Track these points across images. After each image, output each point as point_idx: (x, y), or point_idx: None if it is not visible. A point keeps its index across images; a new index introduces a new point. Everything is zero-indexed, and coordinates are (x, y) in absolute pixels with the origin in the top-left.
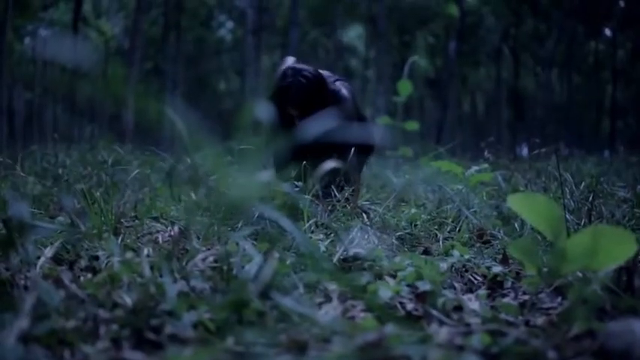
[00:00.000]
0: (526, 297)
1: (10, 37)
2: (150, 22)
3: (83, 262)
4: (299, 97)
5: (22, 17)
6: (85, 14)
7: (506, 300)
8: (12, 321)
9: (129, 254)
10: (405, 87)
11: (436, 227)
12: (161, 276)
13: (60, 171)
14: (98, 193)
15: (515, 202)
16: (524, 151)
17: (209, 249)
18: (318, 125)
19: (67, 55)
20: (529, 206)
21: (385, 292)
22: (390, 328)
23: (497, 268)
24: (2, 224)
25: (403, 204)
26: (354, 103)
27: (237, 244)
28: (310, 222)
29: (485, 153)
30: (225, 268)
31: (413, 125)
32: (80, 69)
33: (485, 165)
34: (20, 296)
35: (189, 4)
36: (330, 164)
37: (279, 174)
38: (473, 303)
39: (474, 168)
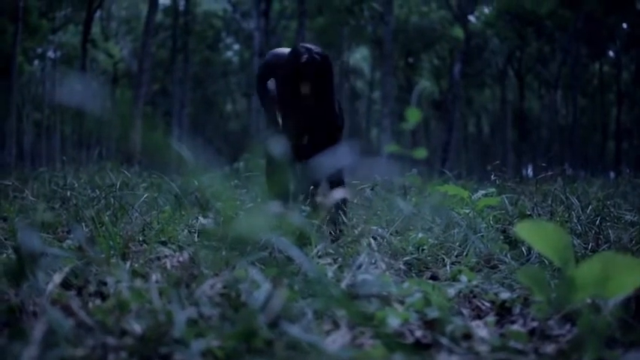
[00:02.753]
0: (535, 324)
1: (19, 59)
2: (158, 44)
3: (92, 288)
4: (316, 72)
5: (32, 40)
6: (93, 37)
7: (515, 327)
8: (22, 349)
9: (138, 281)
10: (414, 114)
11: (443, 252)
12: (170, 302)
13: (68, 193)
14: (107, 217)
15: (523, 230)
16: (530, 172)
17: (217, 275)
18: (334, 159)
19: (77, 97)
20: (537, 234)
21: (394, 319)
22: (398, 357)
23: (505, 295)
24: (13, 253)
25: (410, 227)
26: None
27: (245, 270)
28: (318, 247)
29: (492, 176)
30: (233, 295)
31: (421, 153)
32: (90, 110)
33: (492, 189)
34: (30, 323)
35: (196, 26)
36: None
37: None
38: (481, 330)
39: (481, 192)
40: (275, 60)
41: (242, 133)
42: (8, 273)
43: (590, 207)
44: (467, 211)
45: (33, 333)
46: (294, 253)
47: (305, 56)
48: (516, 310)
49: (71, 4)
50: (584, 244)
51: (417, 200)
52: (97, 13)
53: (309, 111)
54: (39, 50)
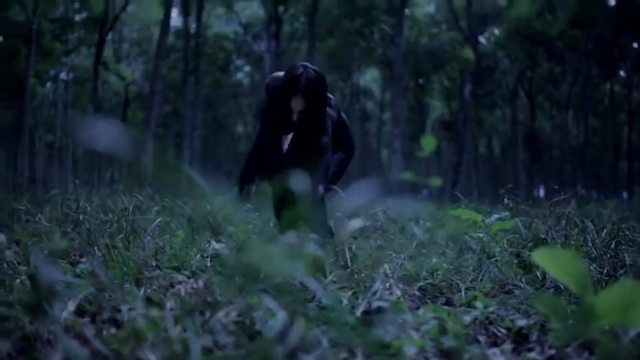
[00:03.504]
0: (552, 351)
1: (32, 81)
2: (169, 66)
3: (105, 314)
4: (308, 87)
5: (45, 62)
6: (105, 59)
7: (532, 355)
8: None
9: (152, 310)
10: (429, 142)
11: (457, 277)
12: (185, 331)
13: (81, 217)
14: (119, 242)
15: (540, 258)
16: (542, 192)
17: (231, 302)
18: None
19: (107, 143)
20: (554, 261)
21: (410, 347)
22: None
23: (522, 321)
24: (29, 281)
25: (424, 251)
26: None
27: (259, 297)
28: (332, 274)
29: (505, 199)
30: (247, 323)
31: (436, 181)
32: (121, 155)
33: (506, 212)
34: (44, 352)
35: (208, 49)
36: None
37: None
38: (498, 358)
39: (495, 216)
40: (274, 82)
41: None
42: (25, 304)
43: (604, 230)
44: (480, 235)
45: None
46: (310, 283)
47: (300, 70)
48: (533, 337)
49: (84, 26)
50: (600, 268)
51: (430, 225)
52: (109, 36)
53: (300, 127)
54: (51, 72)
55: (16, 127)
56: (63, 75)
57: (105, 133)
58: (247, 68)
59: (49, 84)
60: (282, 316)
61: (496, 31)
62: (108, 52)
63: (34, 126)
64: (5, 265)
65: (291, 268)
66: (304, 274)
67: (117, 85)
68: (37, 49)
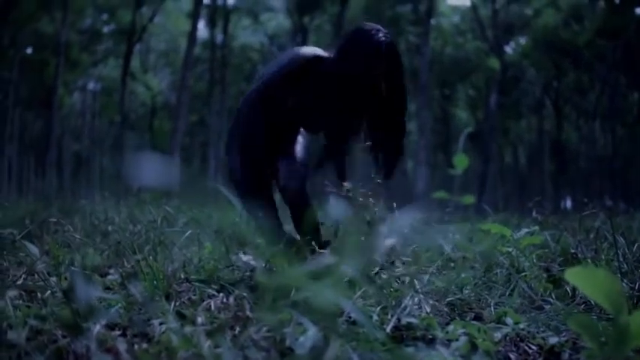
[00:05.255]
0: None
1: (60, 91)
2: (196, 77)
3: (136, 329)
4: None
5: (73, 73)
6: (133, 70)
7: None
8: None
9: (184, 325)
10: (462, 161)
11: (486, 292)
12: (216, 347)
13: (109, 228)
14: (148, 254)
15: (573, 277)
16: (568, 204)
17: (262, 318)
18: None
19: (152, 177)
20: (588, 281)
21: None
22: None
23: (553, 339)
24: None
25: (452, 265)
26: None
27: (289, 313)
28: (361, 291)
29: (534, 213)
30: (278, 339)
31: (469, 199)
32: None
33: (535, 227)
34: None
35: (234, 59)
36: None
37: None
38: None
39: (524, 230)
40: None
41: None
42: (59, 319)
43: (635, 244)
44: (509, 249)
45: None
46: (341, 301)
47: (381, 35)
48: (565, 355)
49: (111, 38)
50: (631, 283)
51: (459, 239)
52: (137, 47)
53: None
54: (79, 83)
55: (45, 137)
56: (91, 85)
57: (157, 170)
58: None
59: (76, 94)
60: (313, 332)
61: (522, 41)
62: (135, 63)
63: (62, 136)
64: (36, 276)
65: (322, 287)
66: (335, 292)
67: (144, 95)
68: (66, 60)
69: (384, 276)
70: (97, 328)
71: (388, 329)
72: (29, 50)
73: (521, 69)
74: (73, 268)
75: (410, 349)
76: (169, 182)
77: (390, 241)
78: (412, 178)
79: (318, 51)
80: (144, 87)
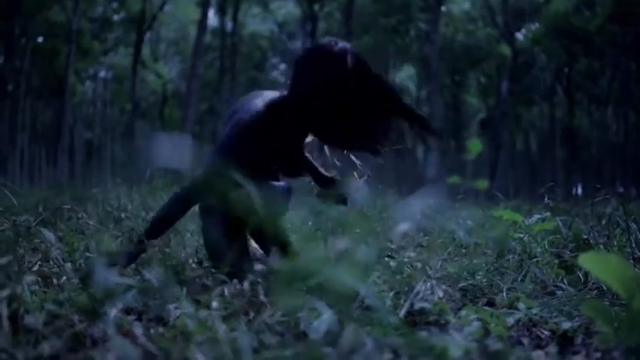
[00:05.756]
0: (598, 355)
1: (72, 80)
2: (206, 65)
3: (152, 313)
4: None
5: (84, 61)
6: (143, 58)
7: (577, 358)
8: None
9: (201, 312)
10: (475, 146)
11: (498, 278)
12: (231, 331)
13: (122, 215)
14: (160, 241)
15: (587, 262)
16: (580, 191)
17: (276, 303)
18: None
19: (168, 157)
20: (601, 266)
21: (455, 350)
22: None
23: (566, 324)
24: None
25: (463, 251)
26: None
27: (303, 298)
28: (375, 276)
29: (546, 199)
30: (292, 323)
31: (482, 184)
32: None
33: (547, 212)
34: (98, 351)
35: (243, 47)
36: None
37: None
38: None
39: (536, 216)
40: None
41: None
42: (76, 304)
43: None
44: (521, 235)
45: None
46: (357, 285)
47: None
48: (578, 340)
49: (122, 26)
50: None
51: (471, 225)
52: (147, 35)
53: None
54: (91, 71)
55: (56, 125)
56: (102, 74)
57: (174, 150)
58: (283, 66)
59: (88, 82)
60: (328, 316)
61: (533, 27)
62: (146, 51)
63: (74, 124)
64: (51, 262)
65: (338, 270)
66: (352, 276)
67: (154, 83)
68: (77, 49)
69: (396, 261)
70: (113, 312)
71: (401, 314)
72: (40, 39)
73: (532, 55)
74: (88, 254)
75: (423, 334)
76: (185, 162)
77: (403, 227)
78: (422, 165)
79: (270, 95)
80: (154, 75)
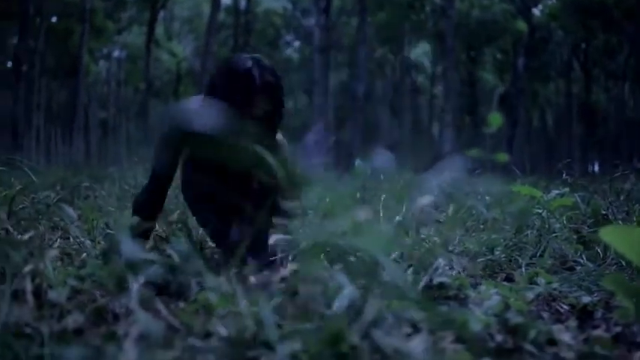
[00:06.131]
0: (618, 329)
1: (86, 59)
2: (220, 43)
3: (172, 287)
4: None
5: (98, 41)
6: (157, 37)
7: (597, 332)
8: (117, 353)
9: (224, 285)
10: (496, 119)
11: (517, 253)
12: (254, 306)
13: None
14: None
15: (608, 236)
16: (596, 167)
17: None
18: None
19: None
20: (623, 240)
21: (475, 323)
22: None
23: (586, 298)
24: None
25: (481, 227)
26: None
27: (325, 271)
28: (395, 252)
29: (564, 175)
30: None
31: (503, 157)
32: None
33: (566, 188)
34: (122, 325)
35: (257, 25)
36: None
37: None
38: (564, 335)
39: (554, 192)
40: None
41: (302, 130)
42: (109, 282)
43: None
44: (539, 210)
45: (128, 337)
46: (381, 258)
47: (250, 63)
48: (598, 314)
49: (135, 5)
50: None
51: (489, 201)
52: (161, 14)
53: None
54: (104, 50)
55: (71, 105)
56: (115, 53)
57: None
58: (297, 43)
59: (102, 62)
60: (349, 290)
61: (550, 2)
62: (159, 30)
63: (88, 104)
64: (71, 239)
65: (361, 241)
66: (375, 249)
67: (168, 62)
68: (91, 28)
69: (414, 236)
70: (135, 286)
71: (420, 288)
72: (54, 19)
73: (549, 31)
74: (107, 231)
75: (443, 308)
76: (219, 126)
77: (424, 200)
78: (438, 141)
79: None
80: (168, 54)
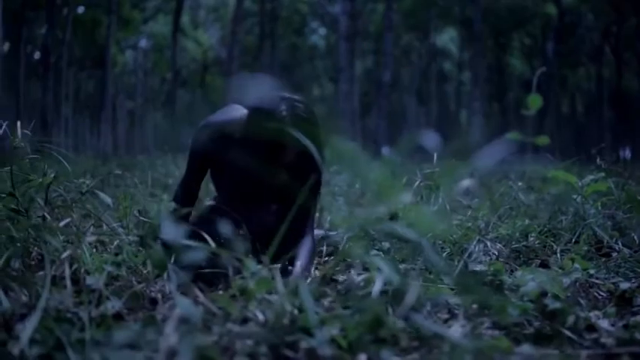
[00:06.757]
0: None
1: (113, 50)
2: (246, 31)
3: (210, 273)
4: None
5: (124, 31)
6: (183, 26)
7: (636, 318)
8: (155, 337)
9: (263, 271)
10: (536, 100)
11: (552, 239)
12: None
13: (170, 181)
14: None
15: None
16: (628, 154)
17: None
18: None
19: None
20: None
21: (513, 309)
22: (526, 349)
23: (625, 285)
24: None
25: (513, 213)
26: None
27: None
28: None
29: (598, 160)
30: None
31: (544, 140)
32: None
33: (602, 174)
34: (156, 309)
35: (283, 12)
36: None
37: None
38: (602, 321)
39: (589, 177)
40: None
41: (329, 117)
42: (148, 267)
43: None
44: (574, 196)
45: (168, 321)
46: (423, 242)
47: (280, 103)
48: (637, 300)
49: None
50: None
51: (522, 186)
52: (186, 3)
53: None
54: (131, 41)
55: (99, 95)
56: (142, 43)
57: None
58: (323, 31)
59: (128, 52)
60: (390, 274)
61: None
62: (185, 19)
63: (116, 94)
64: (104, 227)
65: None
66: (417, 234)
67: (194, 51)
68: (117, 19)
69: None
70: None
71: (454, 274)
72: (81, 10)
73: (579, 15)
74: (141, 218)
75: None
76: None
77: (465, 183)
78: (466, 129)
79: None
80: (194, 43)
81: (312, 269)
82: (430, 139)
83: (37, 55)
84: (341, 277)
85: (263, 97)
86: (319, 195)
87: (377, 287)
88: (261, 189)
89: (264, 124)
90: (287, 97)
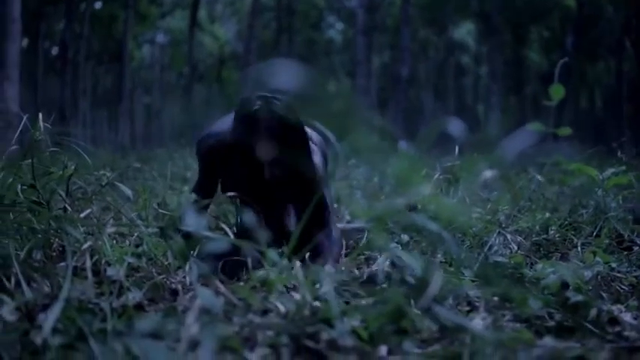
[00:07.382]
0: None
1: (130, 45)
2: (263, 25)
3: (230, 264)
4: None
5: (142, 26)
6: (200, 20)
7: None
8: (177, 327)
9: (284, 262)
10: (558, 90)
11: (572, 232)
12: (314, 284)
13: (188, 174)
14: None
15: None
16: None
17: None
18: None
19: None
20: None
21: (535, 302)
22: (548, 341)
23: None
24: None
25: (533, 207)
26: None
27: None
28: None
29: (619, 153)
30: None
31: (565, 131)
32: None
33: (623, 167)
34: (177, 300)
35: (300, 6)
36: None
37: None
38: (625, 314)
39: (610, 170)
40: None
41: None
42: (169, 258)
43: None
44: (595, 189)
45: (190, 312)
46: (444, 235)
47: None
48: None
49: None
50: None
51: (542, 179)
52: None
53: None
54: (148, 36)
55: (116, 90)
56: (159, 38)
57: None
58: (340, 25)
59: (146, 47)
60: (413, 264)
61: None
62: (202, 14)
63: (133, 89)
64: (124, 219)
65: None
66: (438, 226)
67: (211, 46)
68: (134, 13)
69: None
70: (195, 263)
71: (475, 267)
72: (99, 5)
73: (599, 7)
74: (161, 211)
75: (501, 287)
76: (301, 87)
77: (488, 173)
78: (483, 123)
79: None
80: (211, 37)
81: (340, 259)
82: (455, 125)
83: (55, 50)
84: (362, 269)
85: (243, 97)
86: (323, 184)
87: (399, 277)
88: (265, 190)
89: (243, 126)
90: (265, 95)
